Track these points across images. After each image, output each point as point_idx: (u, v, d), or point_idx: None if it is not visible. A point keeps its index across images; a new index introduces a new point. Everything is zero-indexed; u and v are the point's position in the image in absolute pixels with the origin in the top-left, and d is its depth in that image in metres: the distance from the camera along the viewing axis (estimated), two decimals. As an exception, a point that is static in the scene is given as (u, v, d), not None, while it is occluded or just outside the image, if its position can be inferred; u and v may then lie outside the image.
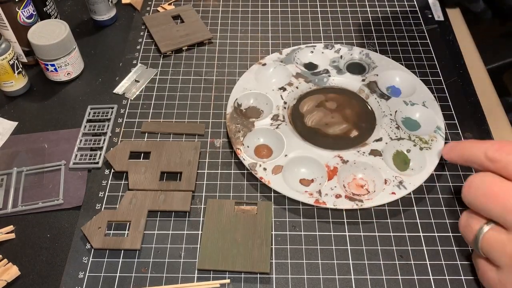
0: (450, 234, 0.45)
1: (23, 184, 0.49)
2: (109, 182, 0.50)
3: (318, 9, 0.70)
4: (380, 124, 0.53)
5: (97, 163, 0.51)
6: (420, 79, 0.57)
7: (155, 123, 0.55)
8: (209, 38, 0.65)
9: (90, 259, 0.44)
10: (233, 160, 0.51)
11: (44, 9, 0.62)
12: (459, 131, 0.53)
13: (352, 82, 0.57)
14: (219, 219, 0.45)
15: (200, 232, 0.45)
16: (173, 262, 0.43)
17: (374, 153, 0.49)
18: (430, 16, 0.68)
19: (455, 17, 0.69)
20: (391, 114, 0.53)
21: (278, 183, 0.47)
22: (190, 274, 0.43)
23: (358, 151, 0.50)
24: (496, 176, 0.35)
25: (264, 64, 0.59)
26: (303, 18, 0.69)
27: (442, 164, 0.50)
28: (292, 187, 0.47)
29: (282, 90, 0.56)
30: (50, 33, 0.56)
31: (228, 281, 0.42)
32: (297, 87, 0.57)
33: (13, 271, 0.43)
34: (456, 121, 0.54)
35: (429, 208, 0.47)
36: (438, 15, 0.68)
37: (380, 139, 0.51)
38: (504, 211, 0.34)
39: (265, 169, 0.48)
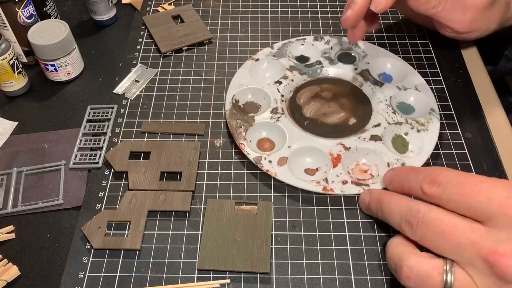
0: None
1: (23, 184, 0.49)
2: (109, 182, 0.50)
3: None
4: (377, 110, 0.54)
5: (97, 163, 0.51)
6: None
7: (155, 123, 0.55)
8: (209, 38, 0.65)
9: (90, 259, 0.44)
10: (233, 160, 0.51)
11: (44, 9, 0.62)
12: (459, 131, 0.53)
13: (345, 71, 0.59)
14: (219, 219, 0.46)
15: (200, 232, 0.45)
16: (173, 262, 0.43)
17: (374, 138, 0.51)
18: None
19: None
20: (386, 100, 0.55)
21: (284, 174, 0.48)
22: (190, 274, 0.43)
23: (359, 138, 0.51)
24: (440, 210, 0.35)
25: (257, 60, 0.59)
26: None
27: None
28: (298, 177, 0.48)
29: (278, 84, 0.57)
30: (50, 33, 0.56)
31: (228, 281, 0.42)
32: (292, 80, 0.58)
33: (13, 271, 0.43)
34: (456, 121, 0.54)
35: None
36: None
37: (378, 125, 0.52)
38: (458, 249, 0.33)
39: (270, 161, 0.49)
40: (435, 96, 0.55)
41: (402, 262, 0.35)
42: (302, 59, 0.61)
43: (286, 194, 0.48)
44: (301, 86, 0.58)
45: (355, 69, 0.58)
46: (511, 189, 0.32)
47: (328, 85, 0.58)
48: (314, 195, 0.48)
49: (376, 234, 0.45)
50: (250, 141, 0.51)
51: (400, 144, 0.51)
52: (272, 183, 0.49)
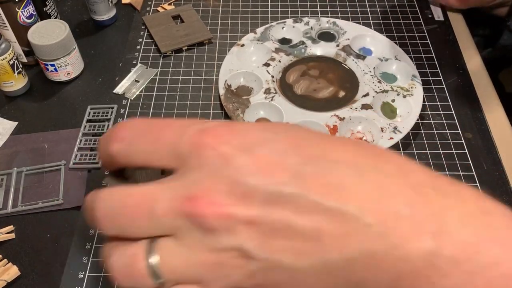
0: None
1: (23, 184, 0.49)
2: (109, 182, 0.49)
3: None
4: (363, 81, 0.57)
5: (97, 163, 0.51)
6: (421, 79, 0.57)
7: (155, 123, 0.55)
8: (209, 38, 0.65)
9: (90, 259, 0.44)
10: (233, 160, 0.51)
11: (44, 9, 0.62)
12: (459, 131, 0.53)
13: (328, 49, 0.62)
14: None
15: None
16: (173, 262, 0.43)
17: (365, 107, 0.54)
18: (430, 16, 0.68)
19: (455, 17, 0.69)
20: (370, 71, 0.58)
21: None
22: (190, 274, 0.43)
23: (351, 108, 0.54)
24: (118, 187, 0.25)
25: (243, 45, 0.61)
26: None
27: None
28: None
29: (266, 66, 0.59)
30: (50, 33, 0.56)
31: (228, 281, 0.42)
32: (279, 61, 0.60)
33: (13, 271, 0.43)
34: (456, 121, 0.54)
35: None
36: (438, 15, 0.68)
37: (367, 94, 0.56)
38: (155, 217, 0.23)
39: None
40: (414, 63, 0.59)
41: (106, 265, 0.25)
42: (285, 41, 0.63)
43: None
44: (288, 66, 0.60)
45: (337, 45, 0.62)
46: (204, 122, 0.25)
47: (314, 63, 0.61)
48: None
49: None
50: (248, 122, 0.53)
51: (389, 111, 0.54)
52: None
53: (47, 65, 0.58)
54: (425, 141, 0.52)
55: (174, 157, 0.24)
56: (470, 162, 0.50)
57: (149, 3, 0.72)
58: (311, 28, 0.64)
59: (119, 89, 0.59)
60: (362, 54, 0.60)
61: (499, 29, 0.65)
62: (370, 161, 0.24)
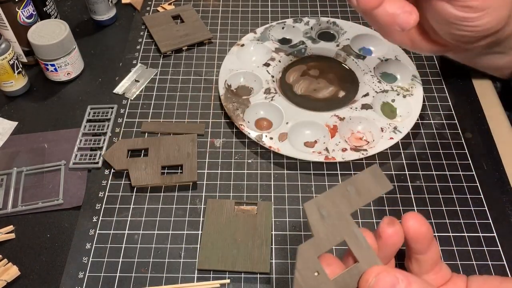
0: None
1: (23, 184, 0.49)
2: (109, 182, 0.50)
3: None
4: (363, 81, 0.57)
5: (97, 163, 0.51)
6: (421, 79, 0.57)
7: (155, 123, 0.55)
8: (209, 38, 0.65)
9: (90, 259, 0.44)
10: (233, 160, 0.51)
11: (44, 9, 0.62)
12: (459, 131, 0.53)
13: (328, 48, 0.62)
14: (219, 219, 0.46)
15: (200, 232, 0.45)
16: (173, 262, 0.43)
17: (365, 107, 0.54)
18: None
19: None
20: (370, 71, 0.58)
21: (287, 149, 0.50)
22: (190, 274, 0.43)
23: (351, 108, 0.54)
24: None
25: (243, 45, 0.61)
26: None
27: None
28: (300, 151, 0.50)
29: (266, 66, 0.59)
30: (50, 33, 0.56)
31: (228, 281, 0.42)
32: (279, 61, 0.60)
33: (13, 271, 0.43)
34: (456, 121, 0.54)
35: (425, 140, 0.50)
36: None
37: (367, 94, 0.55)
38: None
39: (271, 138, 0.51)
40: (414, 63, 0.59)
41: None
42: (285, 41, 0.63)
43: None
44: (288, 66, 0.61)
45: (337, 45, 0.62)
46: None
47: (314, 63, 0.61)
48: (314, 195, 0.48)
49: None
50: (249, 122, 0.53)
51: (389, 111, 0.54)
52: (272, 161, 0.51)
53: (47, 65, 0.58)
54: (425, 141, 0.52)
55: None
56: (470, 162, 0.50)
57: (149, 3, 0.72)
58: (311, 28, 0.64)
59: (119, 89, 0.59)
60: (362, 54, 0.60)
61: None
62: None
